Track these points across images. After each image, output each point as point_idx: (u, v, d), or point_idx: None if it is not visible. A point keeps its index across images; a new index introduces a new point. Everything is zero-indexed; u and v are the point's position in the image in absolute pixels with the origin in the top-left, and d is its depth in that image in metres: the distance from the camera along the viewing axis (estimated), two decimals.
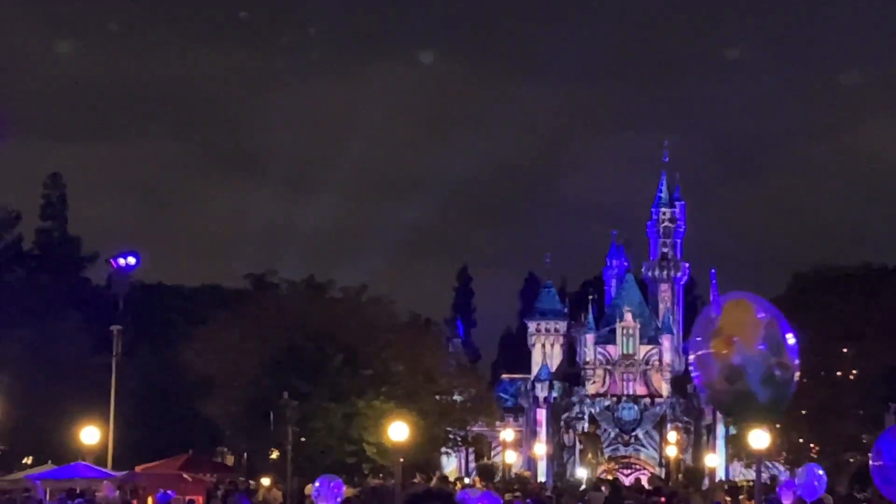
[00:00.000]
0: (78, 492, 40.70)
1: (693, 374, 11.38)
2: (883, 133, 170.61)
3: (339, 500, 26.79)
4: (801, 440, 62.91)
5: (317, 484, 26.95)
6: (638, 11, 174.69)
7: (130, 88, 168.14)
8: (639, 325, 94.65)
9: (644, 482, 74.92)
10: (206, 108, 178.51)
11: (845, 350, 59.77)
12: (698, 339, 11.00)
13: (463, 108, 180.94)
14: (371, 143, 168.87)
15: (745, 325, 10.69)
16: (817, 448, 62.81)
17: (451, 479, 68.00)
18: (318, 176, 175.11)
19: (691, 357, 11.24)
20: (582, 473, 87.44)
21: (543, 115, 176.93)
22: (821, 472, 24.85)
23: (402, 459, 45.59)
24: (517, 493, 46.26)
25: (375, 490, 54.00)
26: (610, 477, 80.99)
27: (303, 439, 56.89)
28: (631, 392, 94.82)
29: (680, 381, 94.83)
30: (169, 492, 35.84)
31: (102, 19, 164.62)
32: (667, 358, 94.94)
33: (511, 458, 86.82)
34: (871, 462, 14.19)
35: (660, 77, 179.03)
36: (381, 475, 60.84)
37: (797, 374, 11.07)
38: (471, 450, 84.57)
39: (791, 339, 11.05)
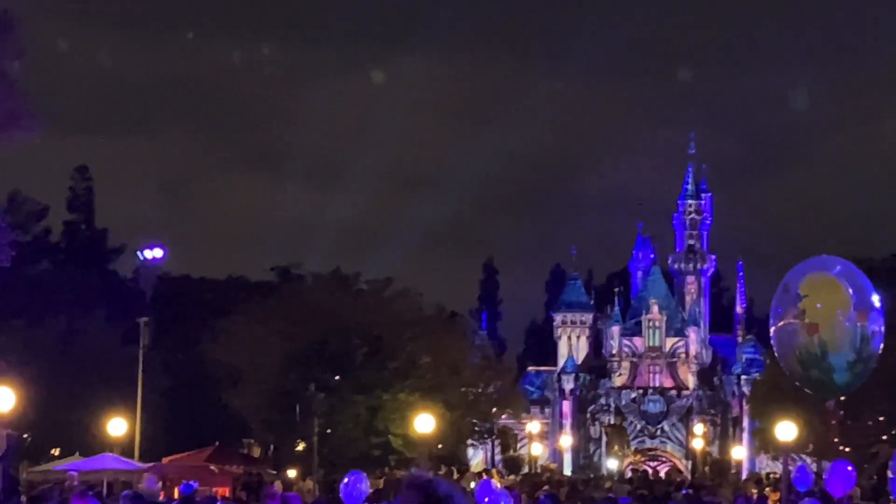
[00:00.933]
0: (105, 488, 40.71)
1: (774, 345, 11.30)
2: None
3: (363, 497, 26.87)
4: (828, 433, 62.59)
5: (346, 480, 27.01)
6: (664, 4, 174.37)
7: (157, 83, 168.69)
8: (665, 318, 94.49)
9: (661, 475, 74.86)
10: (233, 102, 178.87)
11: None
12: (779, 310, 10.94)
13: (488, 101, 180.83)
14: (396, 137, 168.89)
15: (831, 310, 10.61)
16: (844, 440, 62.53)
17: (477, 471, 67.98)
18: (343, 169, 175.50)
19: (773, 329, 11.15)
20: (613, 465, 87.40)
21: (570, 108, 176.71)
22: (850, 468, 24.65)
23: (427, 451, 45.75)
24: (546, 488, 45.94)
25: (401, 482, 54.05)
26: (638, 469, 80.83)
27: (329, 431, 56.99)
28: (657, 384, 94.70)
29: (706, 374, 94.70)
30: (192, 483, 35.89)
31: (130, 14, 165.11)
32: (693, 350, 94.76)
33: (537, 450, 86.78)
34: (889, 474, 14.09)
35: (686, 69, 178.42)
36: (406, 467, 60.89)
37: (881, 346, 11.02)
38: (497, 442, 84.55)
39: (877, 301, 11.00)
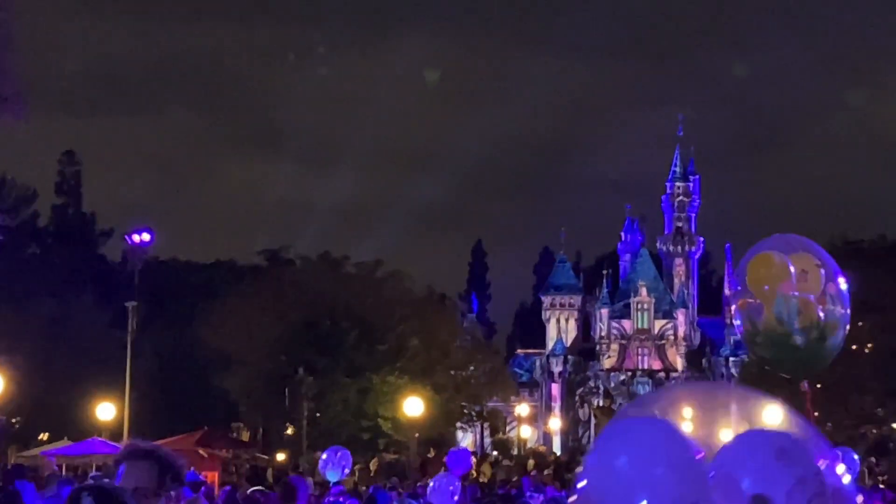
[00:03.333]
0: (93, 470, 40.66)
1: (735, 324, 11.15)
2: None
3: (346, 470, 26.88)
4: (816, 414, 62.79)
5: (324, 455, 26.98)
6: None
7: (148, 63, 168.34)
8: (653, 300, 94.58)
9: None
10: (224, 83, 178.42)
11: (861, 323, 59.56)
12: (738, 287, 10.77)
13: (479, 83, 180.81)
14: (388, 118, 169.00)
15: (776, 273, 10.42)
16: (833, 421, 62.71)
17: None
18: (335, 151, 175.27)
19: (733, 307, 11.01)
20: None
21: (560, 90, 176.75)
22: (856, 457, 24.49)
23: (417, 434, 45.81)
24: (547, 474, 45.74)
25: (391, 464, 54.10)
26: None
27: (318, 414, 57.02)
28: (645, 366, 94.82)
29: (694, 356, 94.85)
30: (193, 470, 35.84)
31: None
32: (681, 332, 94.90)
33: (526, 432, 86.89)
34: None
35: (676, 51, 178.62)
36: (395, 450, 60.93)
37: (847, 324, 10.83)
38: (486, 425, 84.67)
39: (843, 284, 10.83)
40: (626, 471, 4.41)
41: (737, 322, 10.97)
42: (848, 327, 10.82)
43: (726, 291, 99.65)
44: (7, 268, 60.81)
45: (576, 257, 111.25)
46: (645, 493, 4.34)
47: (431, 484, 20.43)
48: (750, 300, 10.39)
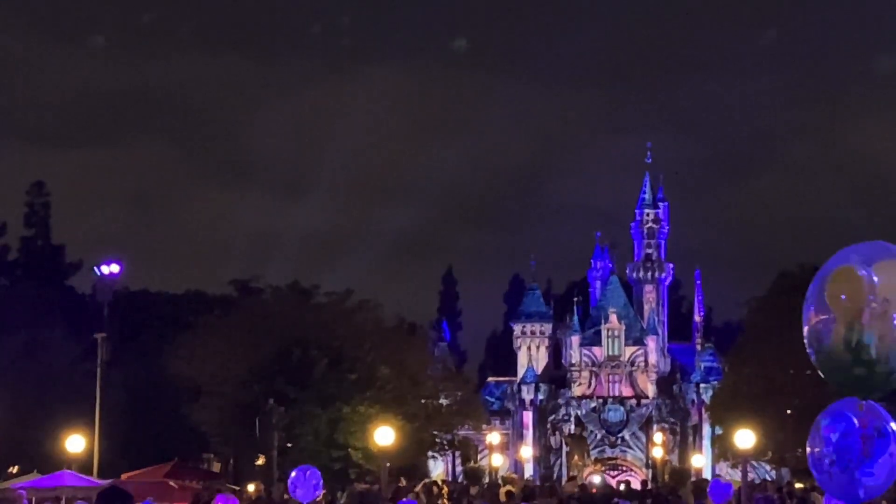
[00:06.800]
0: (63, 503, 40.49)
1: (808, 349, 9.95)
2: (868, 131, 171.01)
3: (318, 492, 26.64)
4: (786, 440, 62.96)
5: (294, 474, 26.58)
6: (624, 13, 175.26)
7: (118, 94, 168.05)
8: (624, 327, 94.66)
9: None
10: (193, 114, 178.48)
11: None
12: (811, 307, 9.85)
13: (448, 111, 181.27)
14: (358, 148, 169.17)
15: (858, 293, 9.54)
16: (802, 447, 62.82)
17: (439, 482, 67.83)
18: (305, 181, 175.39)
19: (806, 329, 9.93)
20: (597, 479, 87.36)
21: (530, 118, 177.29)
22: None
23: (388, 464, 45.74)
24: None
25: (362, 494, 53.98)
26: (596, 479, 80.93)
27: (289, 445, 56.86)
28: (617, 393, 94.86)
29: (665, 382, 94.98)
30: (147, 500, 35.68)
31: (91, 25, 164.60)
32: (652, 359, 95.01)
33: (498, 461, 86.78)
34: None
35: (645, 78, 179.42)
36: (367, 480, 60.81)
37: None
38: (457, 453, 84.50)
39: None
40: None
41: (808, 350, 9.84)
42: None
43: (696, 317, 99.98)
44: None
45: (546, 285, 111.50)
46: None
47: None
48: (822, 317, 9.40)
